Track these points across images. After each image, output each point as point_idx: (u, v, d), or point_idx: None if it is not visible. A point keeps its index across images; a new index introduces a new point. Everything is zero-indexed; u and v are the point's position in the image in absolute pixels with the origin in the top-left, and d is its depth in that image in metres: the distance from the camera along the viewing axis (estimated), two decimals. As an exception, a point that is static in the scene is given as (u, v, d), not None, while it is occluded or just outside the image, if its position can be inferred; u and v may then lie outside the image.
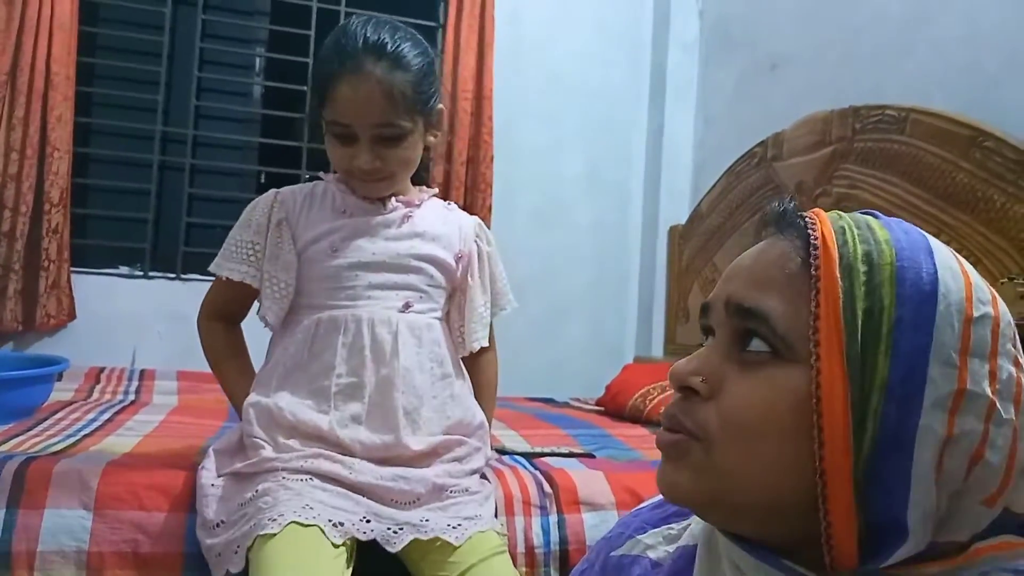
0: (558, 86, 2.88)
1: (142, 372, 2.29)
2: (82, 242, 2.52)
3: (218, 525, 1.04)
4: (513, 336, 2.00)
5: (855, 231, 0.45)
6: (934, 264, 0.43)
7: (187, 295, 2.61)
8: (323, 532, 0.98)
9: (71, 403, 1.71)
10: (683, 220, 2.79)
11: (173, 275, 2.60)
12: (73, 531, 1.07)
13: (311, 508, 0.99)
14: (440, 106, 1.19)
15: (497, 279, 1.28)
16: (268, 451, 1.09)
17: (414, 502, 1.08)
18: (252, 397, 1.15)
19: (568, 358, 2.88)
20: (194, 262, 2.64)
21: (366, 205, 1.18)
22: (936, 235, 0.48)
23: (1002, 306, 0.45)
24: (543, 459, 1.45)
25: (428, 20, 2.91)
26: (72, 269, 2.42)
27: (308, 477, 1.04)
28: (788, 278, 0.45)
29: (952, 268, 0.44)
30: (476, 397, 1.24)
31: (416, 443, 1.11)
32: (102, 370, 2.25)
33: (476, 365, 1.28)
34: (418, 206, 1.21)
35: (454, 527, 1.06)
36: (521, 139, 2.84)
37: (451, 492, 1.11)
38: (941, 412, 0.41)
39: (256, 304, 1.20)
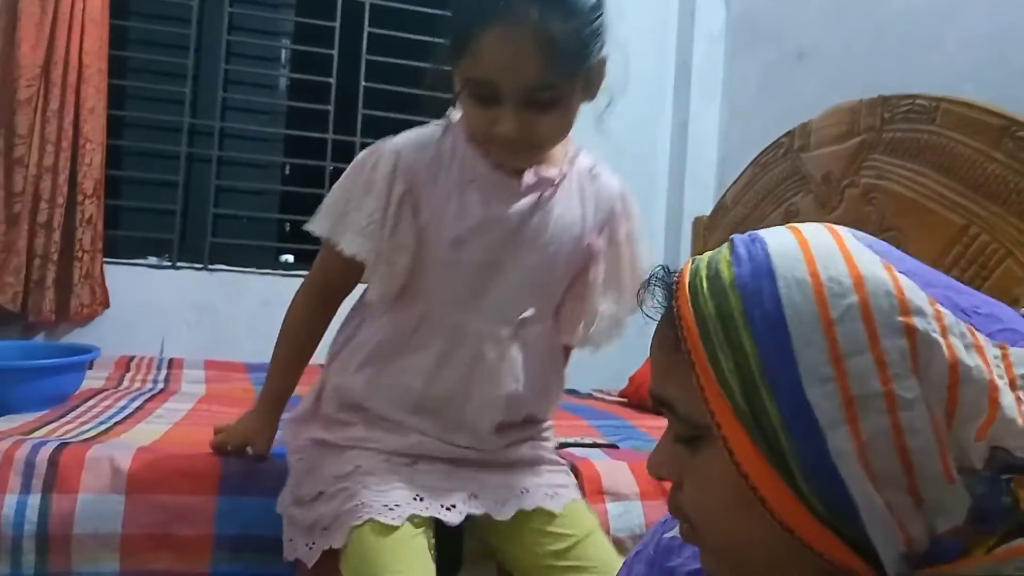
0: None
1: (170, 361, 2.32)
2: (114, 233, 2.56)
3: (316, 497, 1.02)
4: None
5: (704, 285, 0.45)
6: (775, 286, 0.43)
7: (214, 285, 2.65)
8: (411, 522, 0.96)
9: (102, 391, 1.74)
10: (707, 212, 2.77)
11: (200, 266, 2.63)
12: (106, 515, 1.09)
13: (396, 507, 0.96)
14: (603, 55, 0.95)
15: (634, 267, 1.09)
16: (359, 429, 1.05)
17: (511, 466, 1.07)
18: (332, 379, 1.08)
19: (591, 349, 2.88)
20: (221, 253, 2.67)
21: (497, 177, 0.99)
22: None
23: (873, 281, 0.42)
24: (567, 449, 1.46)
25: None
26: (104, 260, 2.46)
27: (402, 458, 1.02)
28: (672, 361, 0.47)
29: (796, 278, 0.43)
30: None
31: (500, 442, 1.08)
32: (132, 359, 2.29)
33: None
34: (556, 184, 1.02)
35: (551, 496, 1.05)
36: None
37: (543, 463, 1.11)
38: (841, 427, 0.41)
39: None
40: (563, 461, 1.17)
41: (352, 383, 1.06)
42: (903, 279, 0.43)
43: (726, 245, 0.48)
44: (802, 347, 0.42)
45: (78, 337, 2.44)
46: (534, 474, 1.09)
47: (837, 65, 2.29)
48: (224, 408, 1.67)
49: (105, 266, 2.47)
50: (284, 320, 1.13)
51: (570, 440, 1.54)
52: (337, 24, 2.75)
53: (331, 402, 1.08)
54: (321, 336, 1.14)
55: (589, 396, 2.44)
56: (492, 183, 1.00)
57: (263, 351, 2.46)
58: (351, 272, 1.04)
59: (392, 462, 1.02)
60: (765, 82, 2.62)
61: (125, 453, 1.16)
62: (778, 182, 2.34)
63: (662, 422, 0.52)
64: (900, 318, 0.42)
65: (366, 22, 2.78)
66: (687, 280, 0.47)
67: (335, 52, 2.74)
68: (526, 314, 1.04)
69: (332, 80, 2.74)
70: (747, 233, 0.49)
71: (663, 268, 0.51)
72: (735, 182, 2.57)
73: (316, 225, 1.04)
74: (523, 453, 1.09)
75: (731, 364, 0.43)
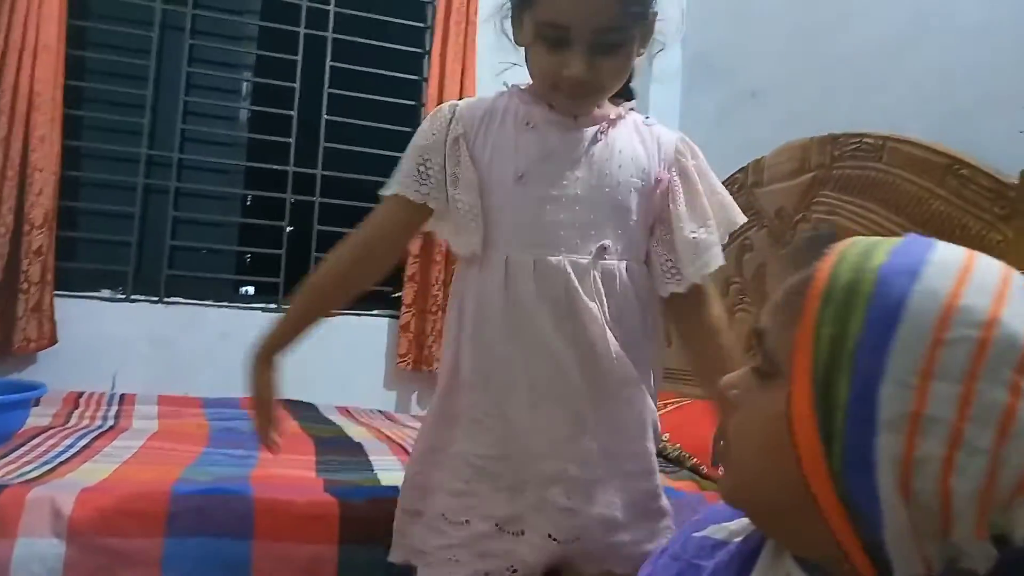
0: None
1: (122, 397, 2.27)
2: (65, 265, 2.50)
3: (416, 514, 1.03)
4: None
5: (855, 259, 0.46)
6: (910, 286, 0.43)
7: (169, 318, 2.61)
8: None
9: (48, 429, 1.69)
10: (667, 245, 2.80)
11: (156, 298, 2.59)
12: (46, 560, 1.06)
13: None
14: (655, 14, 1.01)
15: (714, 193, 1.07)
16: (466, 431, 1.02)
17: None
18: (446, 357, 1.06)
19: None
20: (177, 286, 2.63)
21: (553, 116, 1.02)
22: None
23: (1007, 330, 0.42)
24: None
25: (415, 47, 2.94)
26: (55, 292, 2.40)
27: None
28: (790, 304, 0.48)
29: (934, 289, 0.43)
30: (694, 344, 1.07)
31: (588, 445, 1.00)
32: (81, 395, 2.23)
33: (689, 307, 1.06)
34: (613, 122, 1.04)
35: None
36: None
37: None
38: (897, 433, 0.41)
39: None
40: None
41: (463, 356, 1.02)
42: None
43: (881, 240, 0.49)
44: (900, 349, 0.42)
45: (29, 373, 2.38)
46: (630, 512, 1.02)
47: (788, 103, 2.35)
48: (176, 445, 1.63)
49: (56, 299, 2.41)
50: (323, 261, 1.11)
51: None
52: (299, 58, 2.76)
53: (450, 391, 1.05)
54: (353, 286, 1.10)
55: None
56: (549, 122, 1.02)
57: (220, 385, 2.46)
58: (406, 222, 1.06)
59: (499, 532, 0.99)
60: (720, 119, 2.68)
61: (68, 495, 1.12)
62: (734, 217, 2.38)
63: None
64: (1012, 374, 0.41)
65: (328, 56, 2.79)
66: (846, 245, 0.48)
67: (297, 85, 2.75)
68: (604, 243, 1.00)
69: (294, 113, 2.74)
70: (927, 238, 0.49)
71: (831, 229, 0.53)
72: (693, 216, 2.62)
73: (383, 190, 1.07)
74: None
75: (831, 331, 0.44)
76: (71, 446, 1.53)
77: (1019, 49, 1.66)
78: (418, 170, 1.03)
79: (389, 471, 1.54)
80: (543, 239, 0.99)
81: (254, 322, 2.70)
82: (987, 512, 0.41)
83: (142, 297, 2.58)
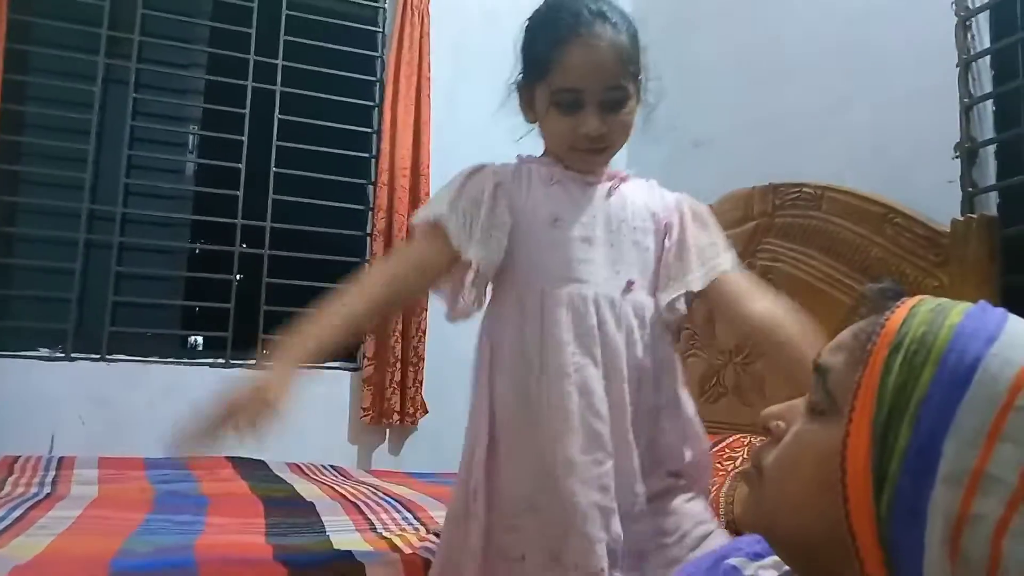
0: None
1: (60, 460, 2.17)
2: (1, 323, 2.41)
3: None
4: (449, 409, 1.96)
5: (927, 315, 0.48)
6: (986, 351, 0.44)
7: (112, 376, 2.52)
8: None
9: (-21, 499, 1.61)
10: (618, 292, 2.84)
11: (97, 356, 2.51)
12: (-26, 646, 1.00)
13: None
14: (644, 76, 1.15)
15: (712, 231, 1.18)
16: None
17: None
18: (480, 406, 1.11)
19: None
20: (120, 342, 2.55)
21: (574, 175, 1.14)
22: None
23: None
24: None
25: (366, 100, 2.96)
26: (-12, 353, 2.31)
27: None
28: (858, 347, 0.50)
29: (1008, 357, 0.44)
30: (758, 327, 1.10)
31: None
32: (16, 459, 2.13)
33: (736, 297, 1.13)
34: (624, 179, 1.18)
35: None
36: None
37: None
38: (955, 489, 0.42)
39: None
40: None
41: (497, 393, 1.09)
42: None
43: (957, 303, 0.50)
44: (970, 408, 0.43)
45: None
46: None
47: (731, 153, 2.42)
48: (117, 513, 1.56)
49: (-10, 360, 2.32)
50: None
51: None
52: (247, 111, 2.74)
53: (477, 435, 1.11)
54: (380, 308, 1.13)
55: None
56: (571, 179, 1.14)
57: (164, 445, 2.37)
58: (433, 258, 1.10)
59: (554, 562, 1.02)
60: (666, 169, 2.72)
61: (-2, 574, 1.07)
62: (682, 264, 2.43)
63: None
64: None
65: (277, 108, 2.79)
66: (916, 301, 0.50)
67: (245, 138, 2.73)
68: (631, 279, 1.11)
69: (242, 166, 2.72)
70: (999, 308, 0.50)
71: (894, 281, 0.54)
72: (643, 263, 2.66)
73: (415, 218, 1.15)
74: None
75: (899, 380, 0.45)
76: (3, 518, 1.45)
77: (946, 107, 1.74)
78: (458, 213, 1.10)
79: (341, 532, 1.50)
80: (576, 276, 1.09)
81: (200, 378, 2.68)
82: None
83: (82, 355, 2.50)
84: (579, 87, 1.07)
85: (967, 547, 0.42)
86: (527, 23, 1.14)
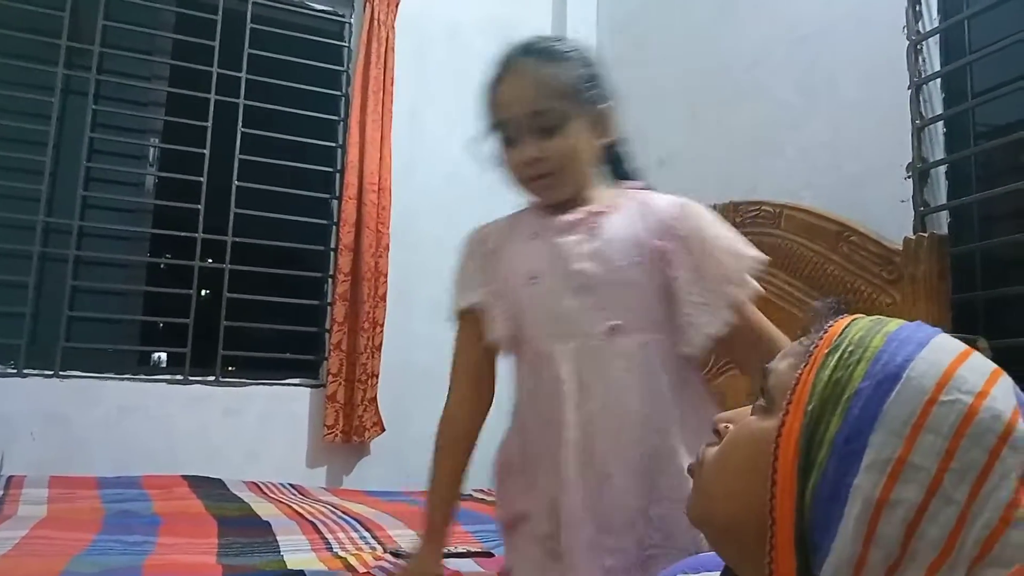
0: (455, 181, 2.90)
1: (9, 479, 2.11)
2: (-52, 339, 2.35)
3: None
4: (415, 430, 1.95)
5: (867, 323, 0.51)
6: (916, 354, 0.48)
7: (65, 393, 2.46)
8: None
9: (-80, 520, 1.56)
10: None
11: (51, 372, 2.45)
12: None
13: None
14: (607, 106, 1.11)
15: (719, 250, 1.08)
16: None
17: None
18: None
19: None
20: (74, 358, 2.50)
21: (554, 222, 1.11)
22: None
23: (993, 405, 0.46)
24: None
25: (331, 114, 2.94)
26: (-65, 369, 2.25)
27: None
28: (800, 352, 0.53)
29: (935, 360, 0.47)
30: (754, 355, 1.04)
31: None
32: (-37, 479, 2.07)
33: (737, 339, 1.06)
34: (601, 213, 1.10)
35: None
36: (421, 231, 2.86)
37: None
38: (878, 475, 0.45)
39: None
40: None
41: (511, 442, 1.13)
42: (1021, 424, 0.46)
43: (897, 320, 0.53)
44: (897, 402, 0.46)
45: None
46: None
47: (693, 170, 2.45)
48: (64, 533, 1.52)
49: (-62, 376, 2.25)
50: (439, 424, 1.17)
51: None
52: (209, 124, 2.72)
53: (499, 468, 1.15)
54: (478, 426, 1.16)
55: (469, 497, 2.38)
56: (549, 227, 1.12)
57: (119, 462, 2.33)
58: (481, 334, 1.14)
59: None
60: (631, 185, 2.76)
61: (-68, 598, 1.03)
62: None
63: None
64: (993, 440, 0.45)
65: (240, 122, 2.77)
66: (858, 316, 0.53)
67: (207, 152, 2.70)
68: (614, 322, 1.06)
69: (203, 179, 2.69)
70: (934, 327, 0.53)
71: (843, 297, 0.56)
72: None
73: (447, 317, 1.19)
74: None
75: (834, 376, 0.48)
76: (-56, 540, 1.41)
77: (898, 123, 1.78)
78: (472, 281, 1.15)
79: (296, 552, 1.47)
80: (557, 329, 1.08)
81: (157, 394, 2.63)
82: (941, 565, 0.44)
83: (35, 371, 2.44)
84: (505, 118, 1.09)
85: (883, 531, 0.44)
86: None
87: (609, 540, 1.02)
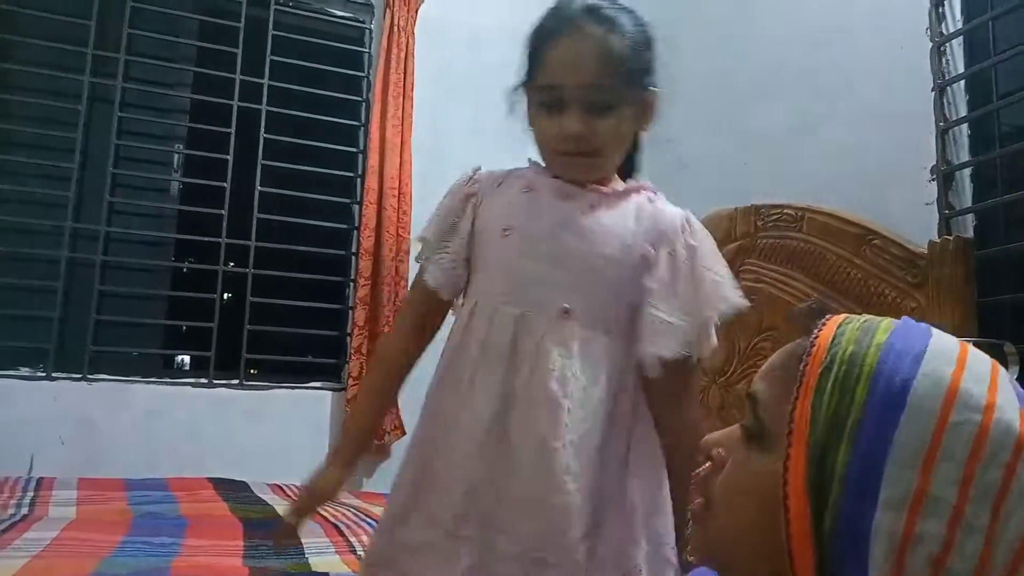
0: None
1: (39, 481, 2.15)
2: (-20, 343, 2.39)
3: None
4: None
5: (854, 333, 0.48)
6: (916, 370, 0.45)
7: (93, 396, 2.50)
8: None
9: (-45, 521, 1.59)
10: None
11: (79, 376, 2.49)
12: (-59, 671, 0.98)
13: None
14: (655, 93, 1.05)
15: (703, 281, 1.01)
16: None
17: None
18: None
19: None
20: (102, 362, 2.54)
21: (555, 184, 1.05)
22: None
23: (1002, 416, 0.44)
24: None
25: (352, 119, 2.97)
26: (-34, 372, 2.29)
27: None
28: (787, 372, 0.50)
29: (938, 373, 0.45)
30: (664, 436, 1.02)
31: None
32: (-6, 481, 2.10)
33: (660, 392, 1.01)
34: (612, 196, 1.05)
35: None
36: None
37: None
38: (897, 511, 0.43)
39: None
40: None
41: (429, 401, 1.07)
42: None
43: (880, 319, 0.50)
44: (906, 430, 0.43)
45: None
46: None
47: (714, 174, 2.44)
48: (94, 535, 1.55)
49: (-31, 379, 2.30)
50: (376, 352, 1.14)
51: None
52: (232, 131, 2.75)
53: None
54: (410, 362, 1.13)
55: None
56: (548, 187, 1.06)
57: (146, 466, 2.36)
58: (428, 297, 1.09)
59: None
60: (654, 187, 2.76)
61: (-32, 598, 1.05)
62: (666, 284, 2.44)
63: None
64: (1007, 456, 0.43)
65: (262, 128, 2.80)
66: (841, 319, 0.50)
67: (230, 158, 2.73)
68: (567, 306, 1.00)
69: (227, 185, 2.72)
70: (921, 323, 0.51)
71: (819, 299, 0.54)
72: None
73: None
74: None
75: (833, 402, 0.45)
76: (-22, 541, 1.44)
77: (921, 125, 1.77)
78: (440, 231, 1.08)
79: (321, 554, 1.49)
80: (511, 290, 1.02)
81: (183, 397, 2.66)
82: None
83: (64, 375, 2.48)
84: (558, 83, 1.00)
85: (910, 566, 0.43)
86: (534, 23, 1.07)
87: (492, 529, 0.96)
